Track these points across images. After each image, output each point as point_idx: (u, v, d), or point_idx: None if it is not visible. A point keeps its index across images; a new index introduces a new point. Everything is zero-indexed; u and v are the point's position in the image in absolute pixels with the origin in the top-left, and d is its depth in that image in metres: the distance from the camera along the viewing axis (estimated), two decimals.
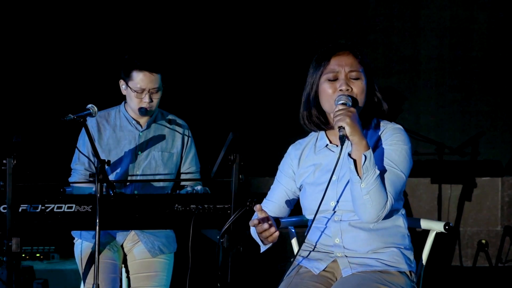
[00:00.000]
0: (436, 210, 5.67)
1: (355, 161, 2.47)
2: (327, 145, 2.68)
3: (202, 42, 5.68)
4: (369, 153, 2.45)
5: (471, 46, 5.85)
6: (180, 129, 3.59)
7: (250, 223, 2.51)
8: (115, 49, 5.38)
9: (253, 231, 2.70)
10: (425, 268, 2.80)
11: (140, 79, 3.41)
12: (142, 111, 3.47)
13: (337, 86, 2.59)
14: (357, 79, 2.59)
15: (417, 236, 2.73)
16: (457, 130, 5.85)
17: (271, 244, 2.64)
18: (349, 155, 2.49)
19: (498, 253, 5.65)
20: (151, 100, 3.44)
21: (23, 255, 4.78)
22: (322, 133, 2.72)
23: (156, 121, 3.57)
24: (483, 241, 5.66)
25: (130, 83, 3.44)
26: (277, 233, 2.50)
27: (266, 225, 2.47)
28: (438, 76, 5.87)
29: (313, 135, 2.77)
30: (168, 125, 3.58)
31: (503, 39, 5.81)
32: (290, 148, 2.82)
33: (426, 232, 2.80)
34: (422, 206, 5.68)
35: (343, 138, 2.47)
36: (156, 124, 3.57)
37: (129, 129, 3.53)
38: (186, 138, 3.59)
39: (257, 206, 2.48)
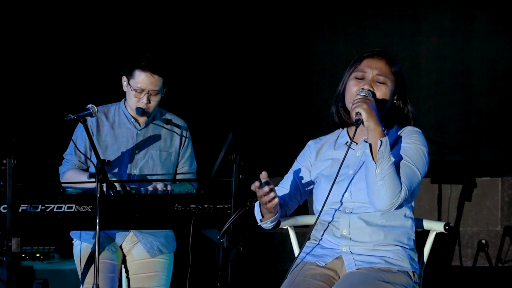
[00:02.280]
0: (436, 210, 5.67)
1: (370, 147, 2.52)
2: (347, 142, 2.73)
3: (203, 42, 5.68)
4: (385, 139, 2.51)
5: (471, 46, 5.85)
6: (178, 129, 3.58)
7: (252, 186, 2.55)
8: (115, 49, 5.39)
9: (256, 205, 2.73)
10: (425, 268, 2.80)
11: (141, 79, 3.40)
12: (139, 111, 3.46)
13: (361, 85, 2.65)
14: (382, 83, 2.66)
15: (417, 236, 2.74)
16: (457, 130, 5.86)
17: (270, 222, 2.68)
18: (365, 141, 2.55)
19: (498, 253, 5.65)
20: (148, 102, 3.42)
21: (23, 255, 4.77)
22: (344, 131, 2.79)
23: (155, 120, 3.55)
24: (483, 241, 5.66)
25: (131, 81, 3.43)
26: (276, 200, 2.55)
27: (266, 188, 2.52)
28: (438, 76, 5.88)
29: (335, 133, 2.84)
30: (166, 125, 3.57)
31: (503, 39, 5.81)
32: (310, 141, 2.88)
33: (426, 232, 2.81)
34: (422, 206, 5.68)
35: (358, 122, 2.54)
36: (154, 123, 3.55)
37: (127, 127, 3.52)
38: (183, 138, 3.59)
39: (263, 173, 2.54)
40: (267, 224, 2.73)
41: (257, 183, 2.53)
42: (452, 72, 5.86)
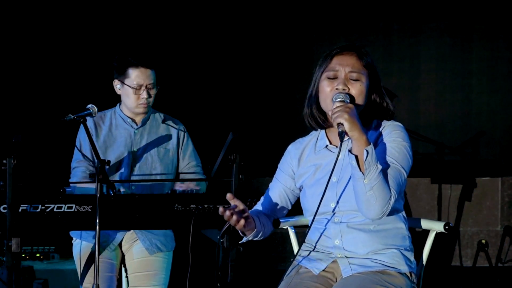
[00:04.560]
0: (436, 210, 5.67)
1: (356, 157, 2.44)
2: (326, 145, 2.67)
3: (202, 43, 5.68)
4: (371, 148, 2.42)
5: (472, 46, 5.85)
6: (174, 125, 3.64)
7: (219, 211, 2.45)
8: (115, 50, 5.38)
9: None
10: (425, 268, 2.80)
11: (136, 75, 3.47)
12: (140, 108, 3.51)
13: (335, 85, 2.56)
14: (356, 80, 2.56)
15: (417, 236, 2.73)
16: (457, 130, 5.86)
17: (252, 236, 2.61)
18: (350, 151, 2.46)
19: (498, 253, 5.65)
20: (149, 96, 3.49)
21: (23, 255, 4.77)
22: (323, 132, 2.70)
23: (151, 119, 3.61)
24: (483, 241, 5.65)
25: (126, 81, 3.48)
26: (242, 222, 2.46)
27: (227, 213, 2.42)
28: (438, 76, 5.88)
29: (313, 134, 2.75)
30: (162, 123, 3.63)
31: (503, 39, 5.81)
32: (290, 146, 2.79)
33: (426, 232, 2.80)
34: (422, 206, 5.68)
35: (342, 135, 2.44)
36: (151, 121, 3.61)
37: (124, 127, 3.57)
38: (181, 133, 3.63)
39: (228, 195, 2.46)
40: (251, 238, 2.65)
41: (221, 209, 2.43)
42: (452, 72, 5.86)
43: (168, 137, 3.61)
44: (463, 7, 5.82)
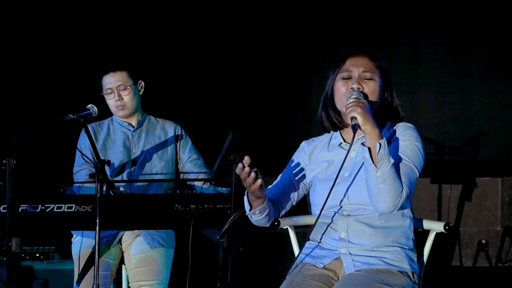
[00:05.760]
0: (436, 210, 5.67)
1: (369, 150, 2.49)
2: (340, 143, 2.73)
3: (203, 43, 5.68)
4: (384, 141, 2.48)
5: (472, 46, 5.85)
6: (171, 125, 3.71)
7: (236, 170, 2.53)
8: (115, 50, 5.39)
9: (245, 197, 2.70)
10: (425, 268, 2.80)
11: (107, 81, 3.58)
12: (118, 111, 3.60)
13: (349, 85, 2.63)
14: (370, 79, 2.64)
15: (417, 236, 2.74)
16: (457, 130, 5.86)
17: (258, 211, 2.64)
18: (363, 144, 2.52)
19: (498, 253, 5.65)
20: (120, 98, 3.57)
21: (23, 255, 4.77)
22: (337, 132, 2.77)
23: (147, 121, 3.70)
24: (483, 241, 5.66)
25: (103, 89, 3.61)
26: (259, 181, 2.53)
27: (247, 169, 2.50)
28: (438, 76, 5.88)
29: (327, 134, 2.83)
30: (158, 124, 3.71)
31: (503, 39, 5.81)
32: (303, 142, 2.87)
33: (426, 232, 2.81)
34: (422, 206, 5.68)
35: (355, 127, 2.51)
36: (147, 123, 3.70)
37: (122, 130, 3.66)
38: (178, 129, 3.70)
39: (246, 158, 2.51)
40: (256, 216, 2.67)
41: (240, 165, 2.50)
42: (452, 72, 5.86)
43: (165, 135, 3.67)
44: (463, 7, 5.82)
